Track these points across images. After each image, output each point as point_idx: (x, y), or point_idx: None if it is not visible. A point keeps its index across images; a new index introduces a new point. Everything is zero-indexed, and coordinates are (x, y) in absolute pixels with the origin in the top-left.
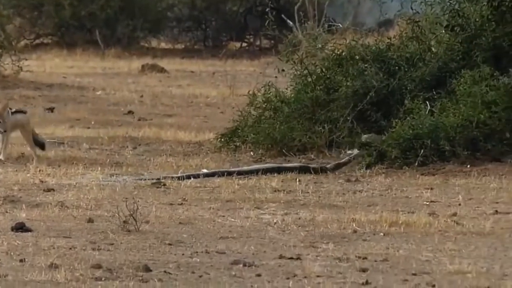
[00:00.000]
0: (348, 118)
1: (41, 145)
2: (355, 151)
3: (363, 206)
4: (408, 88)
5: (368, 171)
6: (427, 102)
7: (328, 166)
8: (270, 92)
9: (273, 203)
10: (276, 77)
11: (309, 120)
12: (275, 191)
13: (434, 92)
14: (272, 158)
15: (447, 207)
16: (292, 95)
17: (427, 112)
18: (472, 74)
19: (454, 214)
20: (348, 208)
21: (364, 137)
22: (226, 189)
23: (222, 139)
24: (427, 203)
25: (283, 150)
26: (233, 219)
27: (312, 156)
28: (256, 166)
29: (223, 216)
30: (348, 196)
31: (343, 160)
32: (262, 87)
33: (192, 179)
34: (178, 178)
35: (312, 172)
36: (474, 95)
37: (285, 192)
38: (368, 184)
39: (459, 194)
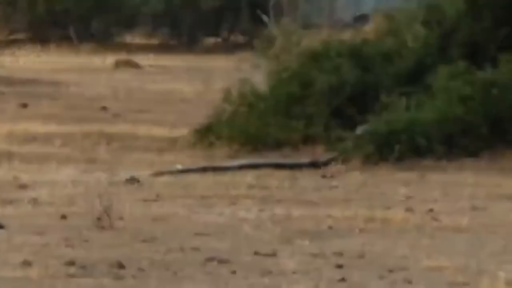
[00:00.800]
0: (324, 113)
1: None
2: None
3: (339, 202)
4: (384, 83)
5: (343, 166)
6: (403, 97)
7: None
8: (245, 88)
9: (248, 199)
10: (251, 72)
11: (284, 115)
12: (250, 187)
13: (410, 88)
14: (247, 154)
15: (423, 203)
16: (267, 90)
17: (403, 108)
18: (448, 69)
19: (431, 210)
20: (324, 204)
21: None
22: (201, 186)
23: (197, 135)
24: (404, 199)
25: (258, 146)
26: (208, 216)
27: (288, 152)
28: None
29: (198, 212)
30: (323, 192)
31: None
32: (237, 83)
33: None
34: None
35: (288, 168)
36: (451, 90)
37: (260, 188)
38: (343, 180)
39: (435, 190)
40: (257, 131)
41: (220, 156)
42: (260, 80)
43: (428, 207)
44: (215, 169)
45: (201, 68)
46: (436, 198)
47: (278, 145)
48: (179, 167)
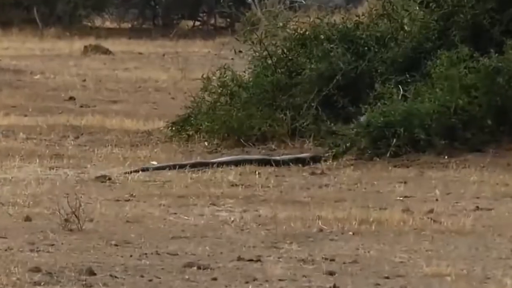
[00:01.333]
0: (313, 104)
1: None
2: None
3: (330, 202)
4: (379, 70)
5: (335, 163)
6: (400, 86)
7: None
8: (226, 76)
9: (230, 199)
10: (232, 59)
11: (269, 106)
12: (232, 185)
13: (408, 75)
14: (229, 148)
15: (422, 203)
16: (251, 79)
17: (399, 97)
18: (449, 55)
19: (431, 211)
20: (313, 204)
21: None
22: (178, 184)
23: (173, 128)
24: (401, 198)
25: (241, 140)
26: (186, 217)
27: (273, 146)
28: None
29: (175, 213)
30: (313, 191)
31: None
32: (217, 70)
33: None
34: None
35: (273, 164)
36: (452, 78)
37: (243, 186)
38: (335, 178)
39: (436, 188)
40: (240, 123)
41: (199, 151)
42: (242, 67)
43: (427, 208)
44: (194, 166)
45: (178, 54)
46: (437, 198)
47: (262, 139)
48: (154, 163)
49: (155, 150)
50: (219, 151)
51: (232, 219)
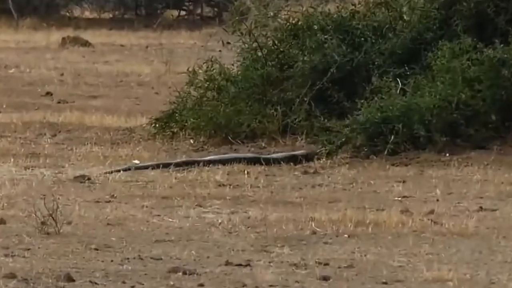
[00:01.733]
0: (305, 99)
1: None
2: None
3: (324, 203)
4: (376, 63)
5: (329, 161)
6: (398, 80)
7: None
8: (213, 69)
9: (218, 200)
10: (220, 51)
11: (259, 101)
12: (219, 185)
13: (407, 68)
14: (216, 146)
15: (422, 203)
16: (239, 72)
17: (398, 91)
18: (451, 46)
19: (431, 212)
20: (306, 205)
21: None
22: (162, 184)
23: (157, 125)
24: (399, 198)
25: (229, 137)
26: (170, 219)
27: (263, 143)
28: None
29: (159, 215)
30: (306, 191)
31: None
32: (203, 63)
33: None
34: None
35: (263, 163)
36: (454, 70)
37: (231, 186)
38: (329, 177)
39: (436, 187)
40: (228, 119)
41: (185, 149)
42: (231, 60)
43: (428, 208)
44: (179, 165)
45: (162, 46)
46: (437, 198)
47: (252, 136)
48: (137, 162)
49: (138, 149)
50: (205, 149)
51: (220, 221)
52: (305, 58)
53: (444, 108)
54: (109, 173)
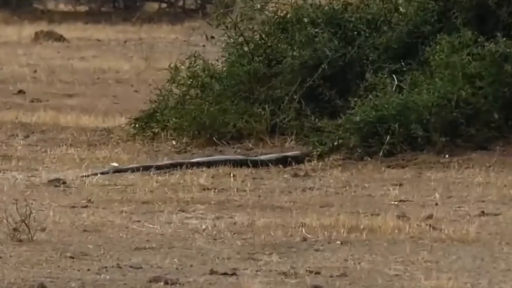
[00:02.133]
0: (295, 97)
1: None
2: None
3: (315, 207)
4: (370, 58)
5: (320, 163)
6: (394, 76)
7: None
8: (196, 65)
9: (202, 205)
10: (204, 46)
11: (245, 100)
12: (204, 189)
13: (403, 63)
14: (200, 147)
15: (420, 208)
16: (224, 68)
17: (394, 89)
18: (450, 40)
19: (430, 217)
20: (296, 210)
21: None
22: (142, 188)
23: (137, 125)
24: (395, 202)
25: (214, 138)
26: (151, 225)
27: (250, 145)
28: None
29: (139, 221)
30: (295, 195)
31: None
32: (186, 58)
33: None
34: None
35: (251, 165)
36: (453, 66)
37: (216, 190)
38: (320, 180)
39: (435, 191)
40: (212, 119)
41: (166, 151)
42: (215, 55)
43: (426, 213)
44: (160, 168)
45: (142, 41)
46: (436, 202)
47: (238, 137)
48: (115, 165)
49: (116, 150)
50: (189, 151)
51: (204, 227)
52: (295, 53)
53: (443, 106)
54: (85, 176)
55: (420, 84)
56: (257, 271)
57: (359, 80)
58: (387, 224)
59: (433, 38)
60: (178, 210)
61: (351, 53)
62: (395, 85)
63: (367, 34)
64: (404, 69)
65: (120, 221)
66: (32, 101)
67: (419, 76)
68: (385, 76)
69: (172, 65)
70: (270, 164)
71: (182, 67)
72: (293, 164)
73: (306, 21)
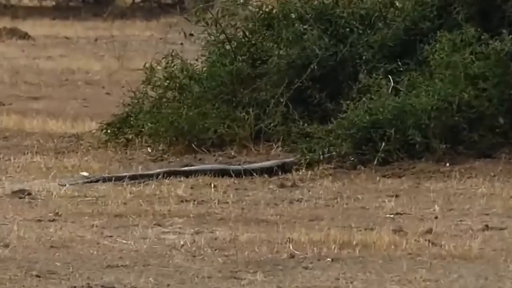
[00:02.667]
0: (282, 99)
1: None
2: None
3: (304, 221)
4: (364, 57)
5: (309, 172)
6: (390, 77)
7: None
8: (173, 65)
9: (180, 218)
10: (182, 44)
11: (228, 103)
12: (182, 201)
13: (400, 63)
14: (178, 155)
15: (418, 222)
16: (205, 69)
17: (389, 91)
18: (451, 38)
19: (429, 231)
20: (283, 224)
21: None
22: (115, 200)
23: (109, 131)
24: (391, 215)
25: (193, 145)
26: (124, 241)
27: (233, 152)
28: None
29: (111, 236)
30: (282, 208)
31: None
32: (162, 58)
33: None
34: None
35: (233, 175)
36: (455, 66)
37: (195, 202)
38: (309, 191)
39: (435, 203)
40: (191, 124)
41: (141, 159)
42: (194, 54)
43: (424, 227)
44: (134, 177)
45: (114, 39)
46: (436, 215)
47: (219, 144)
48: (85, 174)
49: (86, 158)
50: (165, 159)
51: (182, 243)
52: (281, 52)
53: (444, 110)
54: (53, 187)
55: (418, 86)
56: None
57: (351, 81)
58: (382, 240)
59: (432, 35)
60: (154, 224)
61: (343, 52)
62: (391, 87)
63: (361, 31)
64: (401, 69)
65: (90, 236)
66: None
67: (417, 77)
68: (380, 77)
69: (147, 65)
70: (254, 174)
71: (158, 67)
72: (280, 173)
73: (293, 16)
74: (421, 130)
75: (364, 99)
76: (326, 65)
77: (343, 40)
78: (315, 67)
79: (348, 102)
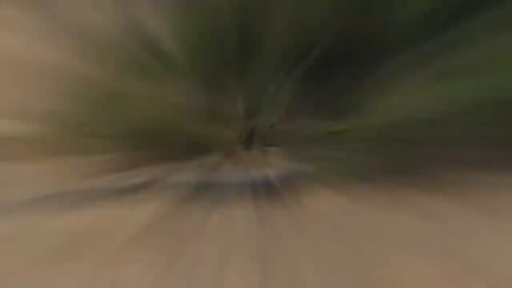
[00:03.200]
0: (280, 90)
1: None
2: None
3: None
4: (385, 39)
5: (318, 188)
6: (416, 64)
7: None
8: (138, 46)
9: (143, 251)
10: (146, 17)
11: (210, 94)
12: (145, 227)
13: (429, 46)
14: (146, 163)
15: (453, 251)
16: (181, 50)
17: (415, 83)
18: (492, 15)
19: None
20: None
21: None
22: (56, 226)
23: (60, 131)
24: (419, 241)
25: (166, 149)
26: (66, 282)
27: (217, 159)
28: None
29: (48, 274)
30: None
31: None
32: (123, 36)
33: None
34: None
35: (216, 191)
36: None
37: (164, 230)
38: (317, 214)
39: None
40: (164, 122)
41: (99, 168)
42: (167, 32)
43: (464, 257)
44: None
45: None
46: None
47: (199, 148)
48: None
49: (28, 168)
50: (125, 170)
51: (144, 285)
52: (278, 30)
53: (481, 108)
54: None
55: (451, 75)
56: None
57: (370, 68)
58: (405, 275)
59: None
60: (107, 261)
61: (357, 31)
62: (417, 79)
63: (380, 5)
64: (429, 54)
65: (23, 276)
66: None
67: (449, 64)
68: (405, 64)
69: (103, 46)
70: (244, 190)
71: (118, 48)
72: (278, 188)
73: None
74: (453, 131)
75: (390, 89)
76: (336, 48)
77: (358, 15)
78: (323, 49)
79: (368, 93)
